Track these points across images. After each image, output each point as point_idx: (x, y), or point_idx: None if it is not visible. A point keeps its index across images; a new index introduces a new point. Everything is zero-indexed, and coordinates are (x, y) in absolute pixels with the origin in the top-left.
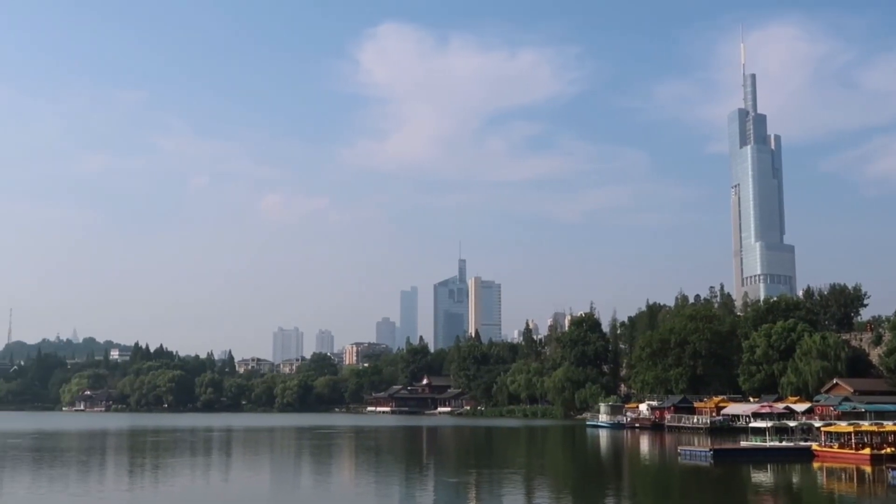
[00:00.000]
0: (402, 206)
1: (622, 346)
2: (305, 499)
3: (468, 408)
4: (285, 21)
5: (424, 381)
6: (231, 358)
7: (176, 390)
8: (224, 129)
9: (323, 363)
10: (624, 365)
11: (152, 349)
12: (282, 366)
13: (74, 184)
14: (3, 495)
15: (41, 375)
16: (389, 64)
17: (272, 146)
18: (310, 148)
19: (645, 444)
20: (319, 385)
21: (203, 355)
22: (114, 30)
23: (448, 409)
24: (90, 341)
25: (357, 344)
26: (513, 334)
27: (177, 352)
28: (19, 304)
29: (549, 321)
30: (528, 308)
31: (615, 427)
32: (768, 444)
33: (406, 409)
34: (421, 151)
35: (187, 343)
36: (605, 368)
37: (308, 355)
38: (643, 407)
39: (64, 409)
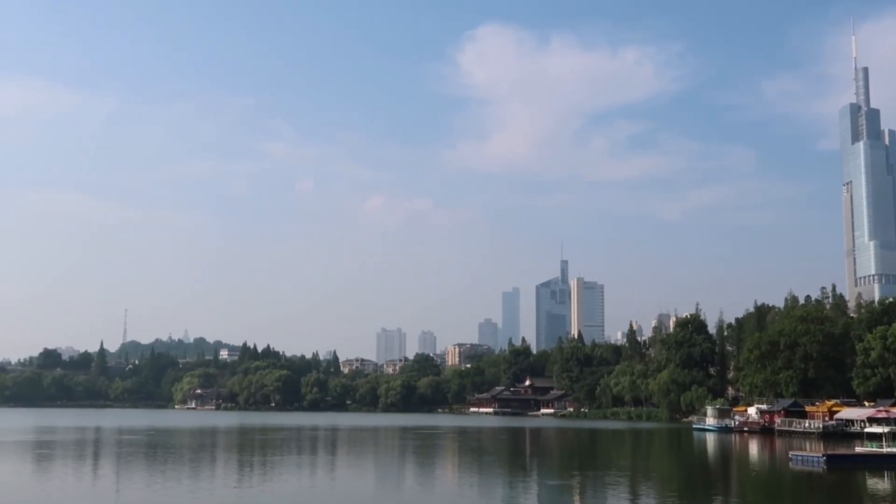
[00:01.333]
0: (503, 207)
1: (729, 347)
2: (409, 499)
3: (571, 409)
4: (386, 26)
5: (527, 383)
6: (336, 358)
7: (283, 390)
8: (328, 132)
9: (425, 364)
10: (731, 367)
11: (260, 349)
12: (385, 366)
13: (184, 188)
14: (121, 490)
15: (154, 374)
16: (489, 65)
17: (375, 149)
18: (411, 150)
19: (754, 448)
20: (422, 385)
21: (308, 356)
22: (222, 38)
23: (551, 410)
24: (201, 341)
25: (459, 345)
26: (616, 336)
27: (283, 352)
28: (133, 306)
29: (654, 322)
30: (632, 309)
31: (723, 430)
32: (885, 450)
33: (508, 410)
34: (522, 152)
35: (293, 343)
36: (712, 371)
37: (411, 356)
38: (752, 410)
39: (176, 406)
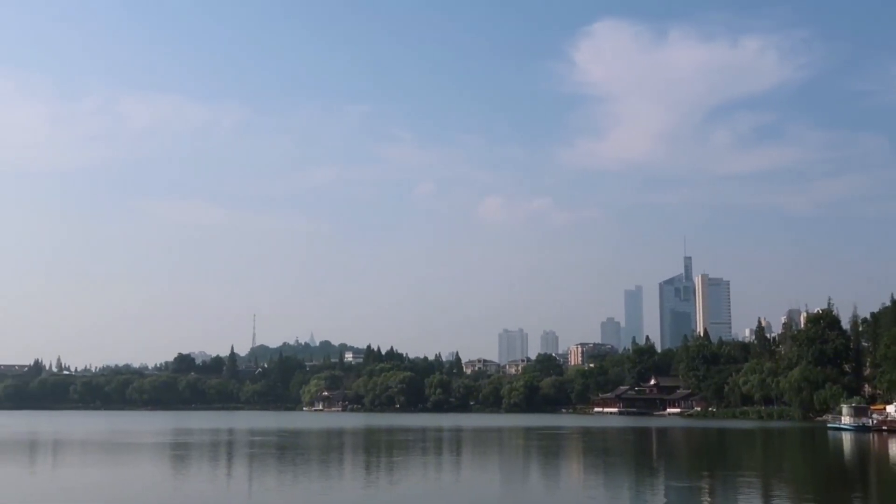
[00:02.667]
0: (623, 204)
1: (865, 343)
2: (535, 499)
3: (698, 409)
4: (501, 26)
5: (652, 382)
6: (458, 359)
7: (407, 391)
8: (447, 135)
9: (548, 364)
10: (867, 364)
11: (383, 351)
12: (507, 367)
13: (308, 194)
14: (253, 490)
15: (283, 377)
16: (606, 61)
17: (493, 150)
18: (529, 150)
19: (894, 448)
20: (545, 386)
21: (431, 357)
22: (337, 47)
23: (677, 410)
24: (326, 344)
25: (582, 344)
26: (743, 333)
27: (406, 354)
28: (261, 311)
29: (783, 319)
30: (760, 305)
31: (859, 430)
32: None
33: (633, 409)
34: (642, 148)
35: (416, 345)
36: (847, 368)
37: (533, 356)
38: (891, 408)
39: (304, 408)
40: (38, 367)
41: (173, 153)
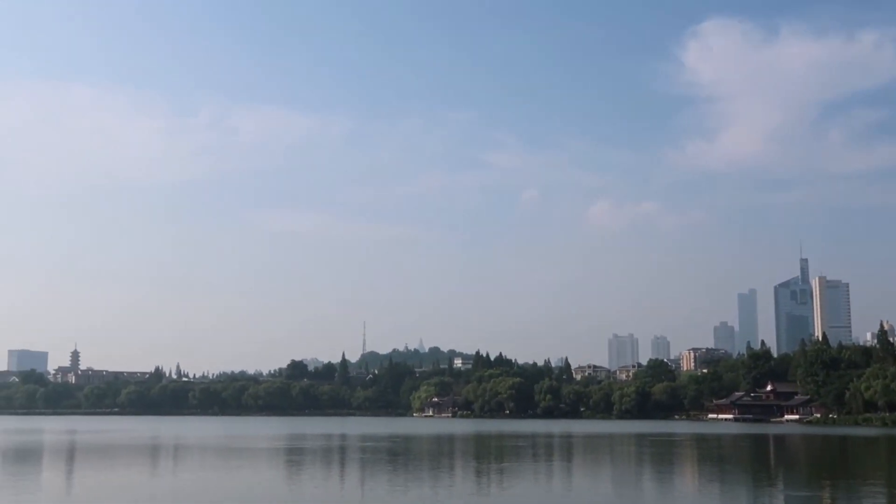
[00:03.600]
0: (735, 206)
1: None
2: None
3: (818, 415)
4: (605, 28)
5: (768, 388)
6: (567, 365)
7: (516, 397)
8: (552, 139)
9: (660, 369)
10: None
11: (492, 357)
12: (618, 372)
13: (415, 202)
14: (365, 494)
15: (393, 383)
16: (715, 60)
17: (599, 153)
18: (636, 153)
19: None
20: (657, 392)
21: (540, 363)
22: (440, 55)
23: (795, 416)
24: (435, 350)
25: (694, 349)
26: (864, 337)
27: (515, 360)
28: (371, 318)
29: None
30: (882, 308)
31: None
32: None
33: (749, 416)
34: (753, 148)
35: (524, 351)
36: None
37: (643, 361)
38: None
39: (414, 414)
40: (158, 374)
41: (282, 164)
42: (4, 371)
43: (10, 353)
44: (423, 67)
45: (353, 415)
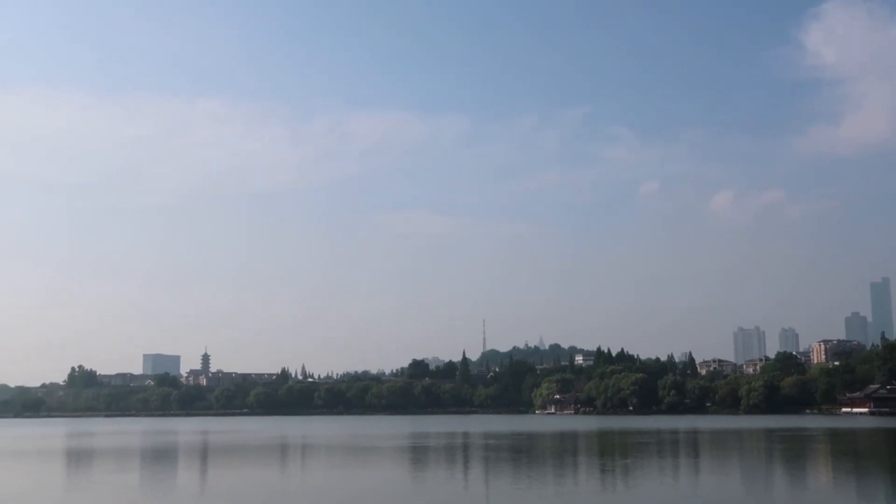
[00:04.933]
0: (864, 192)
1: None
2: None
3: None
4: (721, 15)
5: None
6: (691, 360)
7: (639, 393)
8: (670, 131)
9: (788, 362)
10: None
11: (614, 353)
12: (744, 366)
13: (528, 200)
14: (490, 492)
15: (514, 381)
16: (839, 42)
17: (720, 143)
18: (759, 141)
19: None
20: (786, 385)
21: (663, 358)
22: (554, 51)
23: None
24: (556, 347)
25: (825, 341)
26: None
27: (637, 355)
28: (490, 316)
29: None
30: None
31: None
32: None
33: (886, 409)
34: (882, 131)
35: (646, 346)
36: None
37: (771, 355)
38: None
39: (536, 411)
40: (285, 375)
41: (399, 167)
42: (140, 375)
43: (146, 357)
44: (535, 66)
45: (475, 413)
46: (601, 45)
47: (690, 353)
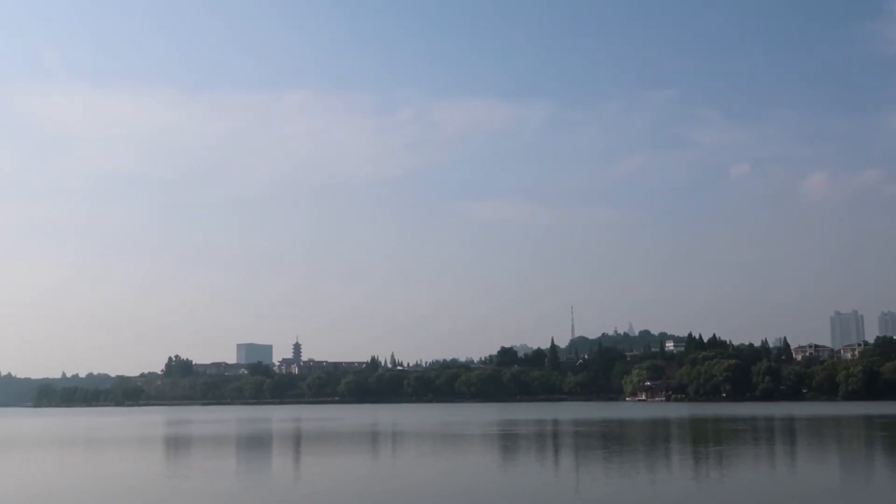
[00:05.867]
0: None
1: None
2: (880, 495)
3: None
4: None
5: None
6: (786, 345)
7: (732, 379)
8: (760, 112)
9: (889, 347)
10: None
11: (705, 339)
12: (842, 351)
13: (615, 185)
14: (581, 479)
15: (603, 368)
16: None
17: (812, 123)
18: (853, 119)
19: None
20: (887, 371)
21: (756, 343)
22: (640, 35)
23: None
24: (645, 334)
25: None
26: None
27: (730, 341)
28: (579, 303)
29: None
30: None
31: None
32: None
33: None
34: None
35: (739, 332)
36: None
37: (870, 339)
38: None
39: (626, 399)
40: (374, 363)
41: (485, 154)
42: (234, 364)
43: (239, 346)
44: (621, 48)
45: (564, 400)
46: (688, 27)
47: (785, 339)
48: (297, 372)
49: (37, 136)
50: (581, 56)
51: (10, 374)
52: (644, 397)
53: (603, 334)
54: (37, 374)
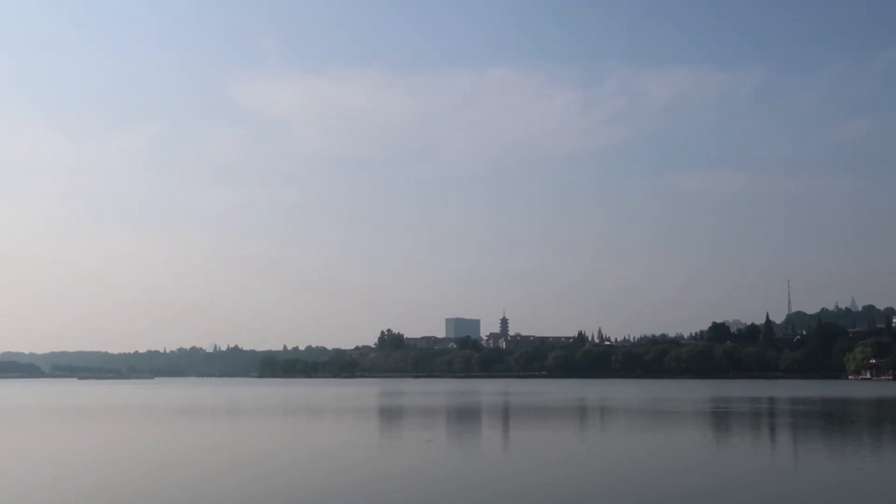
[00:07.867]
0: None
1: None
2: None
3: None
4: None
5: None
6: None
7: None
8: None
9: None
10: None
11: None
12: None
13: (835, 152)
14: (800, 461)
15: (822, 344)
16: None
17: None
18: None
19: None
20: None
21: None
22: None
23: None
24: (869, 309)
25: None
26: None
27: None
28: (796, 277)
29: None
30: None
31: None
32: None
33: None
34: None
35: None
36: None
37: None
38: None
39: (849, 377)
40: (581, 338)
41: (695, 125)
42: (443, 338)
43: (447, 321)
44: (836, 9)
45: (780, 378)
46: None
47: None
48: (504, 346)
49: (254, 122)
50: (792, 19)
51: (237, 347)
52: (869, 376)
53: (822, 309)
54: (262, 346)
